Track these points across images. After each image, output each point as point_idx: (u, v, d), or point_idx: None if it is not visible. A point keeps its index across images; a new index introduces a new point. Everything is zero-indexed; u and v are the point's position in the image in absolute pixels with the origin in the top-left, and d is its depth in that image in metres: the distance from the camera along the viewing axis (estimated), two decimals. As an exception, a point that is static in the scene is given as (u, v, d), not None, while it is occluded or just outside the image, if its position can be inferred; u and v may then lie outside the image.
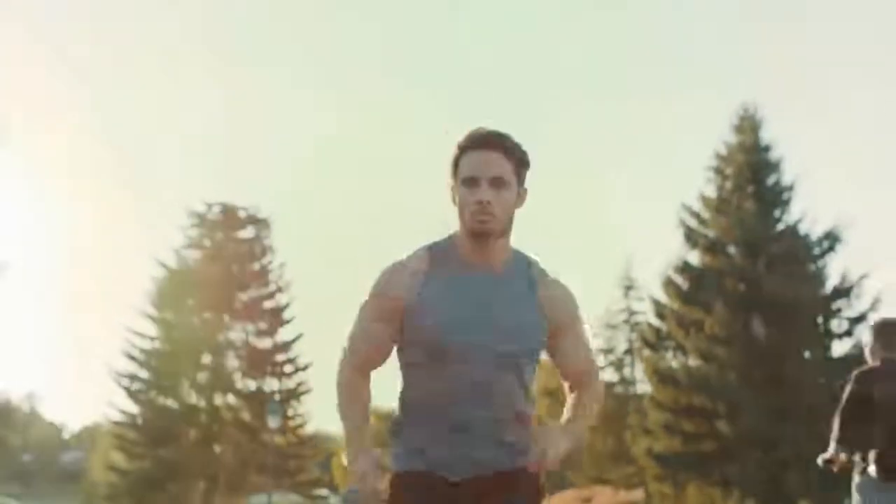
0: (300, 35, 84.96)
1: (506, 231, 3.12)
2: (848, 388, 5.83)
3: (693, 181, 45.62)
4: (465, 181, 3.08)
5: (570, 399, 3.29)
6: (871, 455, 5.74)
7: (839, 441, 5.75)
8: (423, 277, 3.11)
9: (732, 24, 73.59)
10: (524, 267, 3.17)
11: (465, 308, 3.06)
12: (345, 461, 3.10)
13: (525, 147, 3.18)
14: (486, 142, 3.09)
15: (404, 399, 3.16)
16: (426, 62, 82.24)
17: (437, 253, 3.16)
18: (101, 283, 71.75)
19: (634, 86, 75.29)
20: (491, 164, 3.07)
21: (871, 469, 5.74)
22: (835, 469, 5.83)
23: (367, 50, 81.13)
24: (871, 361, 6.02)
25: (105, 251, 73.97)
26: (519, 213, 3.15)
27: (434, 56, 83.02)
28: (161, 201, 69.01)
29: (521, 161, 3.13)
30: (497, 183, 3.06)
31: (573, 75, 78.38)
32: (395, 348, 3.19)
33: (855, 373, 5.94)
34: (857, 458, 5.82)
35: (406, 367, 3.17)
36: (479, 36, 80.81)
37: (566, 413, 3.24)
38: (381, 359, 3.19)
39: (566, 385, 3.30)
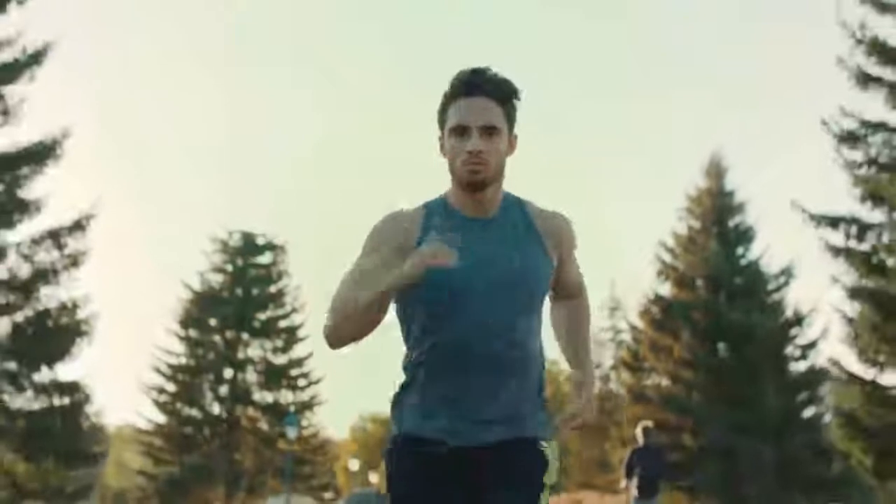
0: (322, 64, 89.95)
1: (498, 178, 3.08)
2: (626, 458, 12.58)
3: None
4: (454, 130, 3.04)
5: (565, 313, 3.39)
6: (634, 481, 12.11)
7: (627, 476, 12.39)
8: (419, 228, 3.09)
9: (732, 27, 78.54)
10: (517, 207, 3.17)
11: (468, 252, 3.01)
12: (392, 281, 2.88)
13: (514, 82, 3.11)
14: (474, 87, 3.05)
15: (411, 358, 3.11)
16: (425, 67, 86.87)
17: (432, 207, 3.15)
18: (131, 303, 76.94)
19: (633, 86, 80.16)
20: (481, 111, 3.02)
21: (634, 491, 12.11)
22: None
23: (388, 77, 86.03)
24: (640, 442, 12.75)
25: (134, 273, 79.24)
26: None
27: (434, 59, 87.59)
28: (185, 226, 74.47)
29: (510, 105, 3.09)
30: (488, 131, 3.02)
31: (574, 75, 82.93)
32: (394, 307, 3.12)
33: (629, 449, 12.67)
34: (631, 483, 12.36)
35: (410, 322, 3.12)
36: (478, 36, 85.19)
37: (575, 341, 3.37)
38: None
39: (554, 294, 3.35)
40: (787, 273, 35.70)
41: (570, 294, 3.35)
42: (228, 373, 42.67)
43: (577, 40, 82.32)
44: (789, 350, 35.65)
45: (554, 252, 3.18)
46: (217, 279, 43.69)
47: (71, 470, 22.55)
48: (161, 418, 42.57)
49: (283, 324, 43.59)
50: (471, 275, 3.02)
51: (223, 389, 42.57)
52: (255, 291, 43.44)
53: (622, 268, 76.82)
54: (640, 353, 36.86)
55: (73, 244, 21.78)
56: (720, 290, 35.22)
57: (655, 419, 35.46)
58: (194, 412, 42.35)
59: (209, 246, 43.86)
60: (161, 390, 42.41)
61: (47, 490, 21.57)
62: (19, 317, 21.73)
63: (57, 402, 22.02)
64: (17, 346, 21.43)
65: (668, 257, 36.81)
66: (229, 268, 43.75)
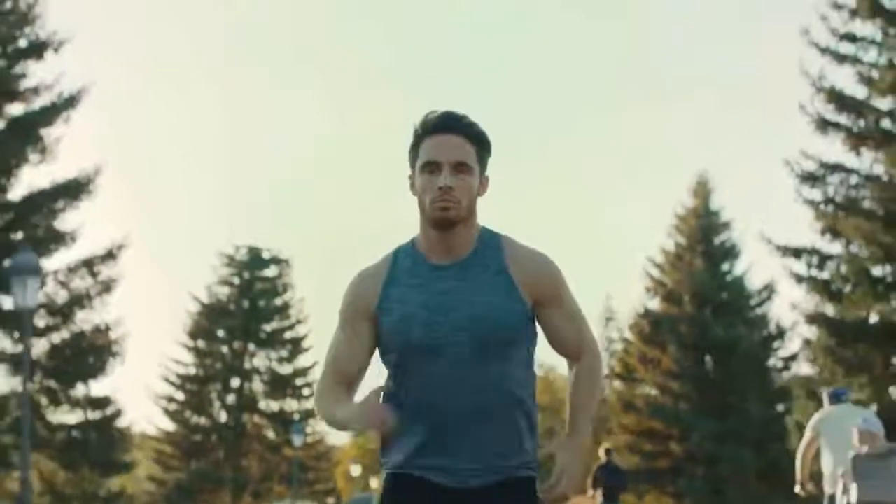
0: (321, 65, 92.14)
1: (469, 218, 3.09)
2: (593, 472, 15.13)
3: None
4: (425, 167, 3.06)
5: (571, 379, 3.25)
6: (600, 491, 14.77)
7: (593, 487, 15.03)
8: (384, 279, 3.11)
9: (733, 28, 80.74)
10: (493, 246, 3.13)
11: (431, 302, 3.06)
12: (348, 424, 3.03)
13: (486, 131, 3.14)
14: (446, 125, 3.07)
15: (391, 400, 3.11)
16: (424, 72, 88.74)
17: (400, 253, 3.16)
18: (141, 315, 79.47)
19: (631, 95, 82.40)
20: (453, 148, 3.04)
21: (600, 498, 14.78)
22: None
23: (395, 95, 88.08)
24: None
25: (143, 286, 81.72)
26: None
27: (433, 65, 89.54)
28: (190, 240, 77.00)
29: (483, 145, 3.11)
30: (459, 168, 3.03)
31: (573, 82, 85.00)
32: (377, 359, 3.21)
33: (595, 465, 15.16)
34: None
35: (387, 373, 3.19)
36: (478, 38, 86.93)
37: (570, 408, 3.22)
38: (355, 369, 3.17)
39: (557, 351, 3.26)
40: (769, 289, 38.40)
41: (568, 353, 3.23)
42: (235, 382, 45.13)
43: (578, 41, 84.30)
44: (771, 362, 38.39)
45: (529, 295, 3.10)
46: (224, 292, 45.99)
47: (104, 477, 25.29)
48: (170, 426, 44.95)
49: (288, 335, 46.07)
50: (434, 329, 3.04)
51: (230, 398, 45.02)
52: (261, 304, 45.81)
53: (622, 276, 79.29)
54: (631, 365, 39.55)
55: (105, 272, 24.52)
56: (706, 306, 37.89)
57: (644, 427, 38.21)
58: (202, 420, 44.66)
59: (216, 260, 46.49)
60: (170, 399, 44.50)
61: (84, 496, 24.26)
62: (57, 338, 24.42)
63: (91, 415, 24.82)
64: (55, 366, 24.06)
65: (656, 273, 39.49)
66: (236, 281, 46.08)
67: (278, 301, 46.45)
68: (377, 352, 3.20)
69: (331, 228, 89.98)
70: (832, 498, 8.65)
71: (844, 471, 8.31)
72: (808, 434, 9.04)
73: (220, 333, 45.40)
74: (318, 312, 65.23)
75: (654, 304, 39.33)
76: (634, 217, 78.29)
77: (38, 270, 17.25)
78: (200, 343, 45.38)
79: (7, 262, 19.55)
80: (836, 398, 9.14)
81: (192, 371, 45.18)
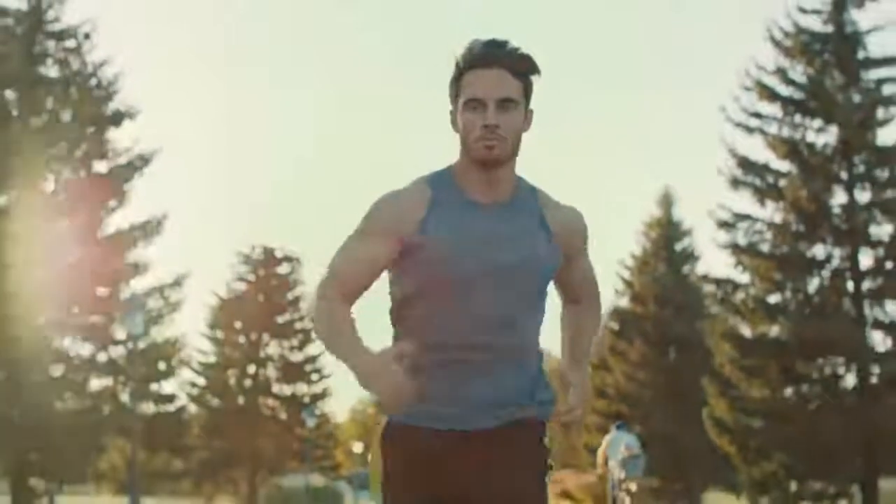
0: (322, 64, 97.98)
1: (513, 156, 3.17)
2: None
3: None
4: (469, 103, 3.11)
5: (570, 313, 3.52)
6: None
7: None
8: (423, 211, 3.16)
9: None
10: (529, 194, 3.26)
11: (475, 240, 3.12)
12: (357, 378, 3.02)
13: (532, 56, 3.17)
14: (491, 58, 3.11)
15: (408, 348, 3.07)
16: (424, 61, 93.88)
17: (439, 184, 3.20)
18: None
19: (641, 79, 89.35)
20: (498, 83, 3.10)
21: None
22: None
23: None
24: None
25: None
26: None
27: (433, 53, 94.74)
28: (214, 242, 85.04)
29: (529, 76, 3.17)
30: (505, 105, 3.10)
31: (578, 68, 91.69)
32: (386, 279, 3.28)
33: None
34: None
35: (408, 307, 3.24)
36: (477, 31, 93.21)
37: (575, 335, 3.50)
38: (367, 281, 3.20)
39: (561, 295, 3.51)
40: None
41: (576, 297, 3.48)
42: (251, 369, 51.12)
43: (586, 28, 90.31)
44: (723, 355, 47.32)
45: (562, 246, 3.26)
46: (241, 287, 52.60)
47: (175, 458, 34.43)
48: (193, 408, 50.42)
49: (298, 325, 52.18)
50: (474, 266, 3.11)
51: (247, 383, 51.15)
52: (274, 298, 52.44)
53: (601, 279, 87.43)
54: (603, 356, 48.52)
55: (173, 296, 33.39)
56: (668, 305, 46.75)
57: (612, 411, 47.16)
58: (222, 403, 50.98)
59: (234, 258, 54.05)
60: (193, 384, 50.81)
61: (158, 472, 33.06)
62: (135, 348, 33.35)
63: (163, 408, 33.87)
64: (134, 369, 33.07)
65: (626, 274, 48.41)
66: (252, 277, 52.73)
67: (290, 295, 52.64)
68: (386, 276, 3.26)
69: (335, 223, 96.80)
70: (614, 479, 17.75)
71: (619, 462, 17.52)
72: (603, 445, 18.06)
73: (238, 325, 51.27)
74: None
75: (624, 303, 48.28)
76: (609, 225, 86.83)
77: (144, 306, 26.15)
78: (219, 333, 51.56)
79: (122, 298, 28.38)
80: (618, 427, 18.32)
81: (213, 359, 51.25)
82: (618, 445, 18.09)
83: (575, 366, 3.49)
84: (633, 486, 18.02)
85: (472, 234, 3.16)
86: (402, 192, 3.22)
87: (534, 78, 3.20)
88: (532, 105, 3.23)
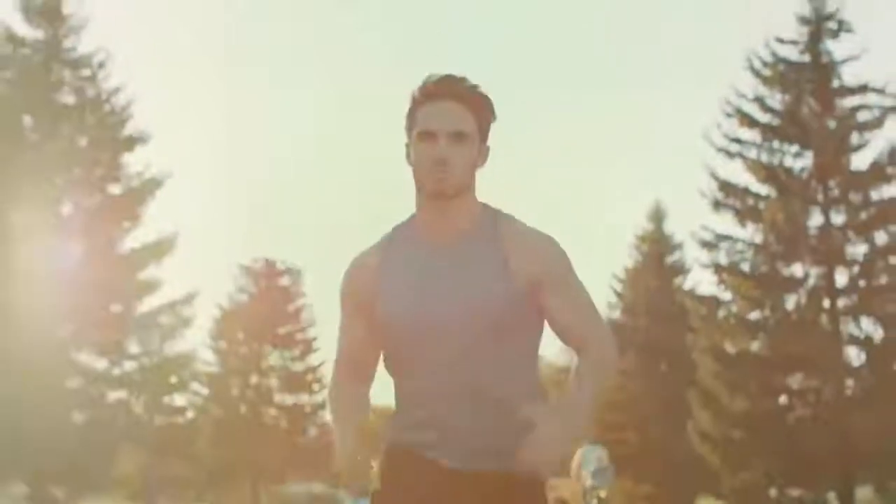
0: (321, 65, 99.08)
1: (466, 191, 3.18)
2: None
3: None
4: (422, 136, 3.14)
5: (573, 371, 3.33)
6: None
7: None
8: (377, 265, 3.24)
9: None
10: (490, 224, 3.22)
11: (422, 285, 3.17)
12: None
13: (490, 96, 3.19)
14: (444, 91, 3.15)
15: (395, 393, 3.29)
16: (420, 57, 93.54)
17: (396, 234, 3.28)
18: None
19: (630, 77, 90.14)
20: (450, 116, 3.13)
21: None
22: None
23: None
24: None
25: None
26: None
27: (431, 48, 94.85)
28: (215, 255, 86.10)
29: (484, 113, 3.19)
30: (457, 138, 3.12)
31: (576, 73, 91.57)
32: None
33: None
34: None
35: (385, 359, 3.34)
36: (479, 35, 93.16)
37: (565, 394, 3.29)
38: (367, 356, 3.36)
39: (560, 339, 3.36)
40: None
41: (570, 342, 3.33)
42: (254, 379, 52.15)
43: (583, 29, 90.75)
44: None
45: (521, 275, 3.17)
46: (243, 299, 54.21)
47: (184, 466, 36.63)
48: (196, 418, 53.88)
49: (299, 336, 53.56)
50: (422, 316, 3.14)
51: (249, 393, 52.13)
52: (276, 309, 53.74)
53: (594, 292, 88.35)
54: (597, 366, 50.56)
55: (184, 311, 35.62)
56: (659, 318, 48.90)
57: (607, 420, 49.34)
58: (225, 412, 52.20)
59: (236, 271, 55.48)
60: (196, 394, 51.39)
61: (168, 478, 35.32)
62: (148, 363, 35.55)
63: (174, 420, 36.17)
64: (146, 383, 35.21)
65: (619, 287, 50.60)
66: (253, 289, 54.28)
67: (291, 307, 54.22)
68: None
69: (334, 231, 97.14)
70: (586, 487, 20.10)
71: (590, 473, 19.96)
72: (576, 458, 20.40)
73: (240, 336, 52.56)
74: (325, 316, 72.71)
75: (616, 315, 50.45)
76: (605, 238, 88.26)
77: (158, 325, 28.35)
78: (222, 344, 53.22)
79: (136, 314, 30.57)
80: (590, 442, 20.68)
81: (216, 369, 52.22)
82: (590, 457, 20.42)
83: (543, 407, 3.20)
84: (603, 494, 20.51)
85: (416, 281, 3.22)
86: (360, 261, 3.34)
87: (489, 115, 3.25)
88: (489, 143, 3.27)
